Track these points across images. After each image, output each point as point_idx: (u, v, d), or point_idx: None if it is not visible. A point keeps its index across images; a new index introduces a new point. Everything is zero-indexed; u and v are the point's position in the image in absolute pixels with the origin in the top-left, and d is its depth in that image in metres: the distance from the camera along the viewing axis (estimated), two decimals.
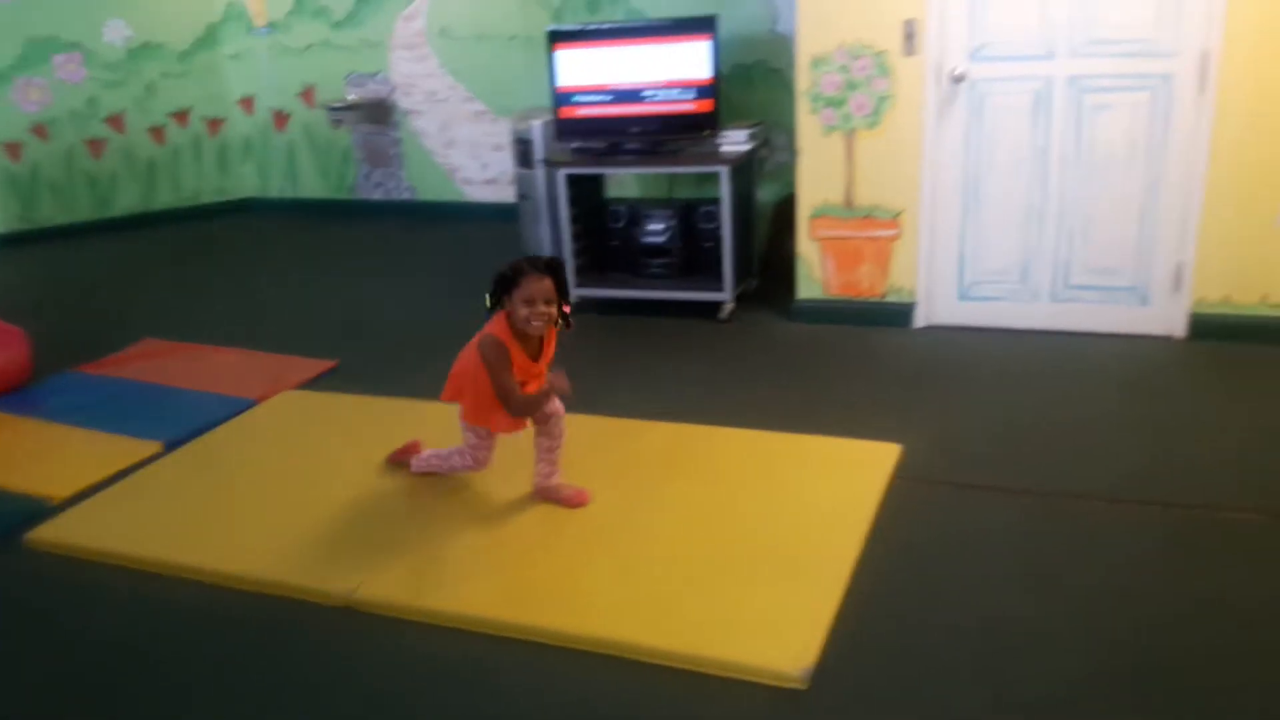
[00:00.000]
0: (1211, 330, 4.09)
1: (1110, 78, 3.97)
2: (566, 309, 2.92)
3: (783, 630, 2.44)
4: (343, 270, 6.20)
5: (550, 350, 3.01)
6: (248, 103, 7.86)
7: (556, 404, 3.05)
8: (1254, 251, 3.97)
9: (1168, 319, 4.17)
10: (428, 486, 3.26)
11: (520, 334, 2.89)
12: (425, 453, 3.32)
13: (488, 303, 2.92)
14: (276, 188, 8.00)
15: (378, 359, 4.53)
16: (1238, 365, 3.88)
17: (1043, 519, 2.91)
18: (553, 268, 2.88)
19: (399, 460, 3.39)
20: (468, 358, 3.00)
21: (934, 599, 2.58)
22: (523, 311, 2.83)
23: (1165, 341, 4.16)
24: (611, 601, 2.61)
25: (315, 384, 4.24)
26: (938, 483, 3.14)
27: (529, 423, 3.07)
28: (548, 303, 2.83)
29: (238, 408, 3.95)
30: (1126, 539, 2.79)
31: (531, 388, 2.95)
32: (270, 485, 3.36)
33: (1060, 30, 3.97)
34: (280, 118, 7.78)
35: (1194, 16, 3.80)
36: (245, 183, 8.07)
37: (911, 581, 2.66)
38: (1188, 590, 2.55)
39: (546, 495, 3.11)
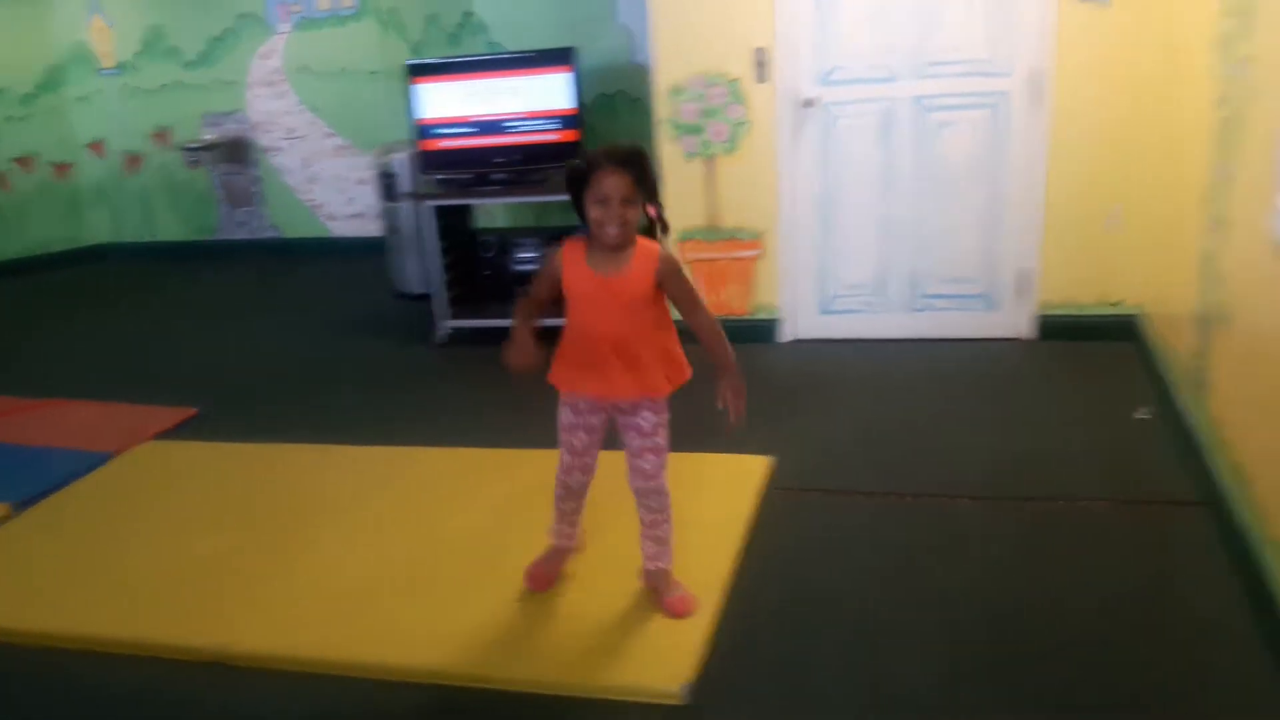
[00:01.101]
0: (1057, 330, 4.32)
1: (951, 97, 4.18)
2: (651, 211, 2.42)
3: (662, 648, 2.46)
4: (203, 314, 6.02)
5: (646, 275, 2.42)
6: (98, 146, 7.58)
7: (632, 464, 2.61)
8: (1090, 255, 4.22)
9: (1016, 322, 4.38)
10: (298, 528, 3.18)
11: (597, 243, 2.40)
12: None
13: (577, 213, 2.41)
14: (132, 232, 7.72)
15: (240, 404, 4.40)
16: (1082, 361, 4.10)
17: (909, 520, 3.02)
18: (632, 160, 2.34)
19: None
20: None
21: (809, 604, 2.64)
22: (595, 213, 2.33)
23: (1015, 343, 4.37)
24: (481, 638, 2.58)
25: (174, 433, 4.09)
26: (808, 491, 3.23)
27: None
28: (625, 202, 2.32)
29: (92, 463, 3.78)
30: (988, 534, 2.91)
31: (589, 315, 2.48)
32: (128, 541, 3.22)
33: (902, 53, 4.17)
34: (133, 160, 7.52)
35: (1025, 37, 4.03)
36: (98, 229, 7.76)
37: (786, 589, 2.72)
38: (1046, 579, 2.68)
39: (647, 583, 2.69)
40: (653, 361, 2.50)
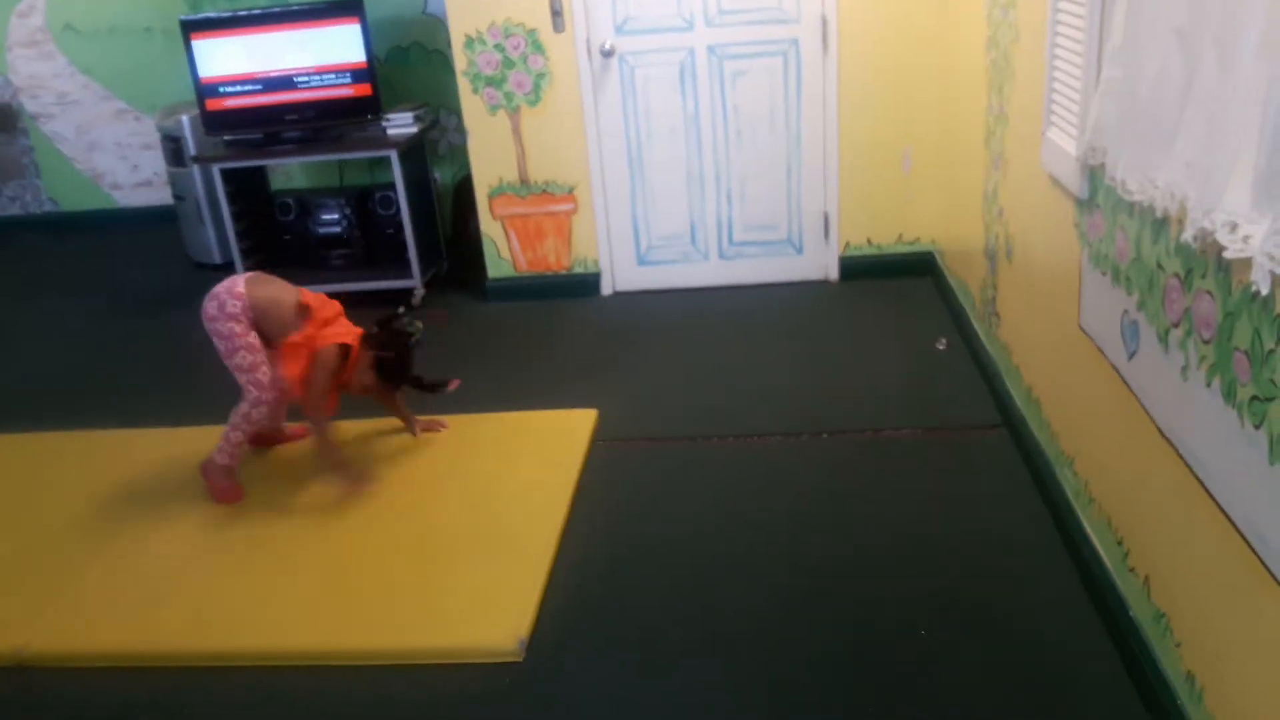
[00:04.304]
0: (860, 270, 4.51)
1: (744, 44, 4.25)
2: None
3: (496, 607, 2.47)
4: None
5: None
6: None
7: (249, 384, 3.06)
8: (886, 196, 4.41)
9: (822, 264, 4.55)
10: (97, 522, 2.99)
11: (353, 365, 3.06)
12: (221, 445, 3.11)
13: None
14: None
15: (27, 392, 4.09)
16: (885, 299, 4.31)
17: (728, 461, 3.12)
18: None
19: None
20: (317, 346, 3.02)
21: (638, 550, 2.70)
22: (368, 377, 3.10)
23: (823, 285, 4.54)
24: (313, 612, 2.53)
25: None
26: (631, 440, 3.28)
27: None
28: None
29: None
30: (802, 469, 3.04)
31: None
32: None
33: (696, 2, 4.20)
34: None
35: None
36: None
37: (617, 537, 2.77)
38: (859, 506, 2.83)
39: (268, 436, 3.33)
40: None
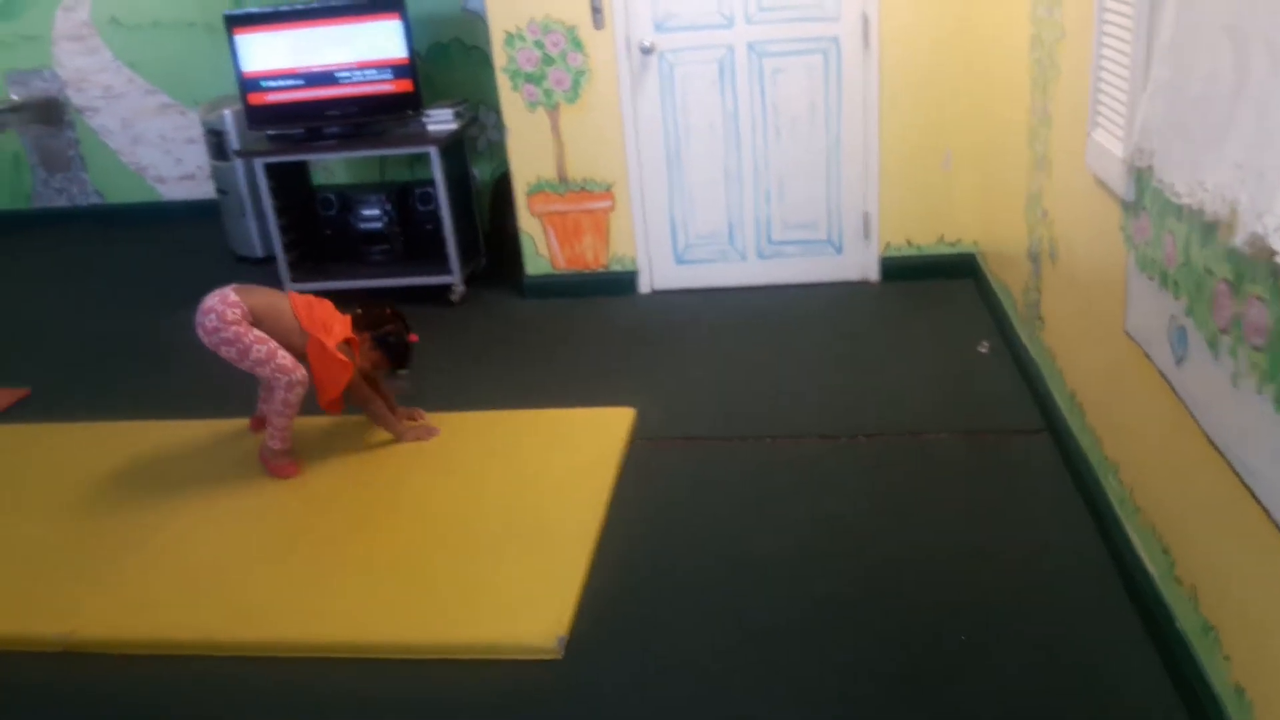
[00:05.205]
0: (900, 271, 4.48)
1: (785, 42, 4.22)
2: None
3: (534, 604, 2.48)
4: (26, 288, 5.62)
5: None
6: None
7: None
8: (928, 196, 4.38)
9: (862, 265, 4.52)
10: (144, 509, 3.04)
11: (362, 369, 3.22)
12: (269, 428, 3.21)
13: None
14: None
15: (75, 382, 4.16)
16: (925, 300, 4.27)
17: (766, 462, 3.11)
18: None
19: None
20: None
21: (676, 549, 2.70)
22: (373, 356, 3.23)
23: (862, 285, 4.51)
24: (352, 604, 2.55)
25: (6, 416, 3.84)
26: (670, 439, 3.28)
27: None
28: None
29: None
30: (840, 471, 3.02)
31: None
32: None
33: None
34: None
35: None
36: None
37: (654, 536, 2.77)
38: (898, 509, 2.80)
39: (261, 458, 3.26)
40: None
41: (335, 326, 3.17)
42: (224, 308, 3.06)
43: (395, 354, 3.25)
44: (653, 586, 2.56)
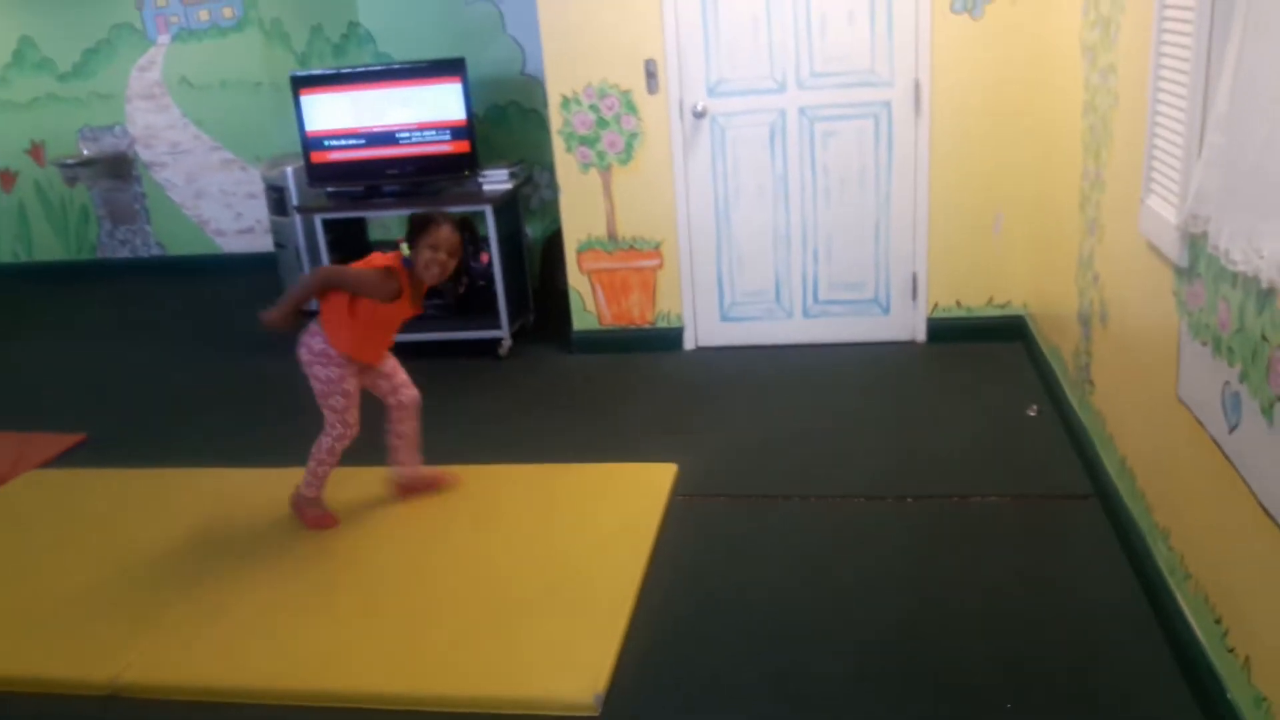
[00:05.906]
0: (948, 332, 4.46)
1: (836, 107, 4.28)
2: (463, 274, 3.15)
3: (573, 660, 2.47)
4: (88, 336, 5.79)
5: (420, 306, 3.11)
6: None
7: (405, 394, 3.25)
8: (977, 257, 4.37)
9: (909, 325, 4.51)
10: (189, 558, 3.09)
11: (414, 279, 3.01)
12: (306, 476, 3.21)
13: (404, 250, 3.00)
14: (8, 252, 7.37)
15: (130, 428, 4.26)
16: (973, 362, 4.24)
17: (809, 521, 3.09)
18: (464, 226, 3.06)
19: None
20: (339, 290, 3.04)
21: (716, 607, 2.68)
22: (425, 255, 2.95)
23: (909, 346, 4.50)
24: (392, 657, 2.56)
25: (62, 460, 3.93)
26: (712, 496, 3.27)
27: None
28: (450, 254, 2.98)
29: None
30: (885, 532, 2.99)
31: (389, 318, 3.06)
32: (16, 574, 3.09)
33: (788, 64, 4.25)
34: (7, 178, 7.19)
35: (904, 49, 4.16)
36: None
37: (695, 593, 2.75)
38: (944, 573, 2.77)
39: (412, 486, 3.33)
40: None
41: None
42: (325, 345, 3.06)
43: (410, 226, 3.02)
44: (691, 644, 2.54)
